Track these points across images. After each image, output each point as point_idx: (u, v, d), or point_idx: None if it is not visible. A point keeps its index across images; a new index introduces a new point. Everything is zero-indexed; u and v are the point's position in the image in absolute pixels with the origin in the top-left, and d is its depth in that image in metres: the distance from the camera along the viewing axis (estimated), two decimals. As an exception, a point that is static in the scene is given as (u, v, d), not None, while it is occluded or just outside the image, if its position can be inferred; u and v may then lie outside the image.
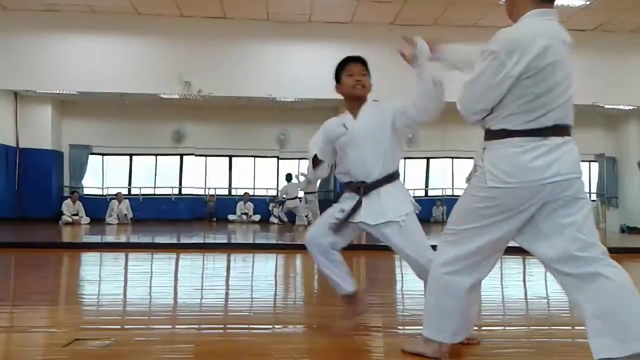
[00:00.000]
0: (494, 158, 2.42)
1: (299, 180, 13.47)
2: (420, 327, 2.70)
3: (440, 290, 2.60)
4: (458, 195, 17.68)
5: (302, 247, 8.71)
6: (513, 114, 2.35)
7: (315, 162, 3.22)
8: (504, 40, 2.33)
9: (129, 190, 16.03)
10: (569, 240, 2.36)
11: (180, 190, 16.22)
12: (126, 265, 6.82)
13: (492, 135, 2.45)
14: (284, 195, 14.32)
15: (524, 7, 2.42)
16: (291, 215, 15.10)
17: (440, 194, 16.45)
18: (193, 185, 16.33)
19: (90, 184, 15.93)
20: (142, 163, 16.42)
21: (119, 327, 3.49)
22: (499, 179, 2.39)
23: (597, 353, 2.30)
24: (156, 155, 16.22)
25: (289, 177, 14.28)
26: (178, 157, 16.30)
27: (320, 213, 13.43)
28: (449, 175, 16.67)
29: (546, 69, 2.29)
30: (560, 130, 2.37)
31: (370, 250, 8.54)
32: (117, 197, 14.37)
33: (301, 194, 13.85)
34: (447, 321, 2.60)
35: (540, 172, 2.33)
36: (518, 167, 2.35)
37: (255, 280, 5.80)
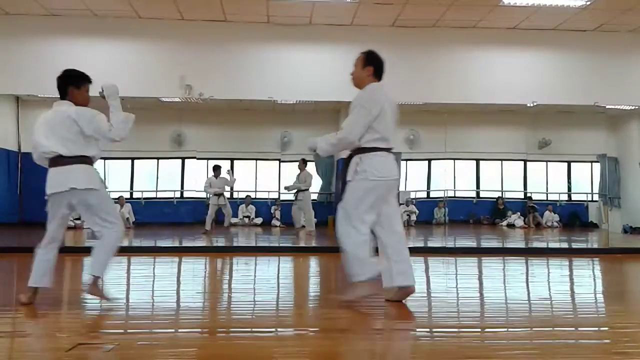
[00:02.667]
0: (372, 163, 4.11)
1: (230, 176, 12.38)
2: (423, 329, 2.70)
3: (354, 245, 4.09)
4: (460, 197, 17.59)
5: (304, 250, 8.72)
6: (376, 139, 4.12)
7: None
8: (364, 99, 4.14)
9: (131, 194, 16.04)
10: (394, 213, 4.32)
11: (182, 193, 16.23)
12: (128, 269, 6.82)
13: (366, 150, 4.13)
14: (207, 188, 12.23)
15: (367, 82, 4.26)
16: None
17: (442, 196, 16.44)
18: (195, 188, 16.33)
19: (92, 188, 15.93)
20: (144, 167, 16.43)
21: (122, 331, 3.49)
22: (376, 175, 4.09)
23: (400, 283, 4.15)
24: (158, 158, 16.23)
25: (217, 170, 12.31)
26: (180, 160, 16.30)
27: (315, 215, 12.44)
28: (450, 177, 16.67)
29: (380, 114, 4.09)
30: (391, 149, 4.23)
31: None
32: (119, 201, 14.39)
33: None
34: (362, 265, 4.07)
35: (393, 172, 4.20)
36: (386, 169, 4.14)
37: (258, 283, 5.80)
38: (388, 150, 4.18)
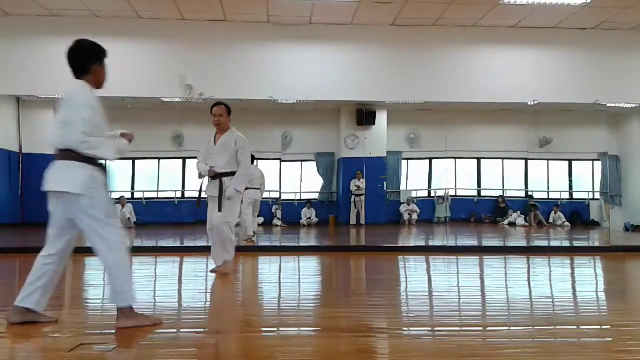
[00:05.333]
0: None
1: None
2: (425, 328, 2.70)
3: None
4: (461, 195, 17.53)
5: (305, 249, 8.68)
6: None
7: None
8: (246, 141, 6.06)
9: (132, 194, 16.05)
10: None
11: (183, 193, 16.23)
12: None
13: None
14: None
15: (229, 126, 6.17)
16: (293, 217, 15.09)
17: (443, 194, 16.43)
18: (196, 188, 16.32)
19: (93, 189, 15.94)
20: (145, 167, 16.43)
21: (123, 331, 3.49)
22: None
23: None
24: (159, 158, 16.24)
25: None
26: (180, 160, 16.31)
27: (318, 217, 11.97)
28: (451, 176, 16.66)
29: None
30: None
31: (372, 252, 8.54)
32: (121, 201, 14.38)
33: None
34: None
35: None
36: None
37: (260, 282, 5.80)
38: None
